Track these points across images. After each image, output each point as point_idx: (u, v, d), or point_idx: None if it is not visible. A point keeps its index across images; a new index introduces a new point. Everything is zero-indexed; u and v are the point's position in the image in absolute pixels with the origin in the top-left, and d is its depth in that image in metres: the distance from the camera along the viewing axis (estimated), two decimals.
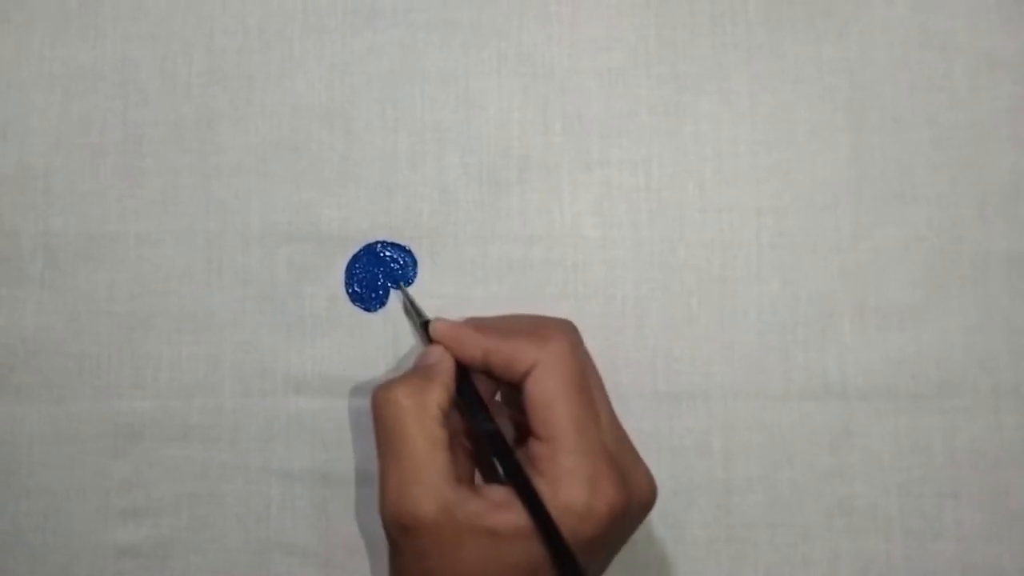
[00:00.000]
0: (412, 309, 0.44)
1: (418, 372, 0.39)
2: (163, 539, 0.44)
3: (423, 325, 0.42)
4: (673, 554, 0.45)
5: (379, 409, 0.38)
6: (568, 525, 0.36)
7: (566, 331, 0.39)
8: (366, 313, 0.45)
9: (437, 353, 0.40)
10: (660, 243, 0.45)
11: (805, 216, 0.46)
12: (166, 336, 0.45)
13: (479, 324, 0.40)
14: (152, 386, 0.45)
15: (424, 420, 0.37)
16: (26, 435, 0.44)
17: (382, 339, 0.44)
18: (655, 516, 0.44)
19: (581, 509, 0.36)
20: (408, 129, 0.46)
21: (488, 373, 0.39)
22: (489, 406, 0.39)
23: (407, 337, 0.44)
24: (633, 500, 0.37)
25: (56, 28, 0.46)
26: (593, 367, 0.40)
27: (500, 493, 0.37)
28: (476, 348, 0.39)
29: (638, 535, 0.44)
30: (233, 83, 0.46)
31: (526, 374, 0.38)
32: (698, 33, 0.46)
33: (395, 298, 0.45)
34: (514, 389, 0.39)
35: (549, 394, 0.37)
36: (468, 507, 0.36)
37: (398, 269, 0.45)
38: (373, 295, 0.45)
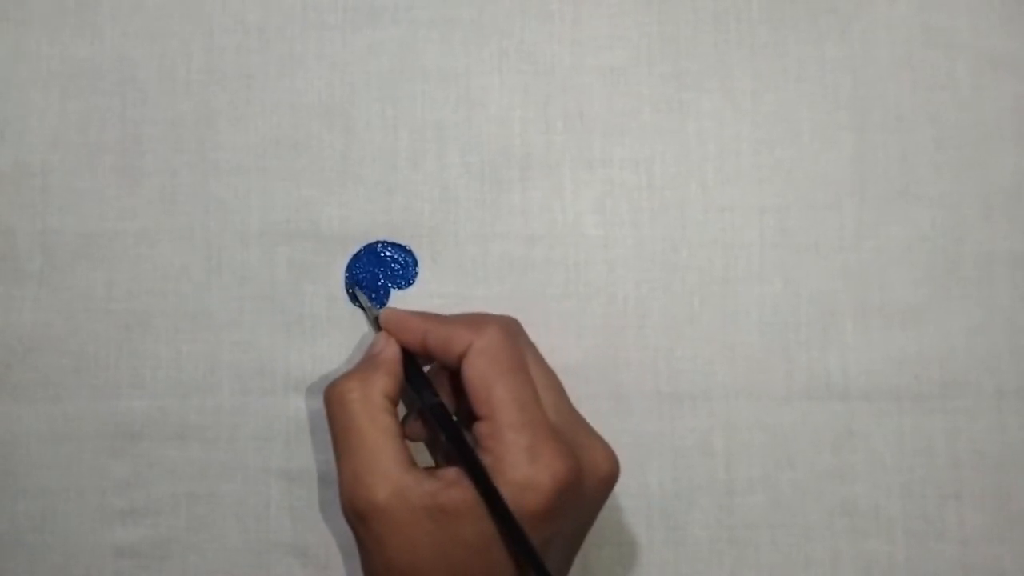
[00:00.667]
0: (365, 305, 0.44)
1: (364, 363, 0.40)
2: (161, 539, 0.44)
3: (375, 319, 0.42)
4: (675, 555, 0.44)
5: (329, 404, 0.39)
6: (511, 497, 0.36)
7: (502, 320, 0.40)
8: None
9: (382, 341, 0.41)
10: (662, 242, 0.45)
11: (808, 215, 0.45)
12: (164, 335, 0.44)
13: (425, 314, 0.41)
14: (150, 385, 0.44)
15: (371, 409, 0.38)
16: (23, 434, 0.44)
17: None
18: (656, 517, 0.44)
19: (523, 480, 0.36)
20: (408, 127, 0.45)
21: (429, 357, 0.40)
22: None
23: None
24: (584, 472, 0.37)
25: (54, 26, 0.46)
26: (536, 353, 0.40)
27: (452, 472, 0.37)
28: (416, 332, 0.40)
29: (639, 535, 0.44)
30: (232, 81, 0.45)
31: (462, 356, 0.38)
32: (700, 31, 0.46)
33: (396, 298, 0.44)
34: (456, 375, 0.39)
35: (484, 374, 0.38)
36: (421, 488, 0.37)
37: (399, 269, 0.45)
38: (373, 295, 0.44)
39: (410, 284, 0.45)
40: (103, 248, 0.45)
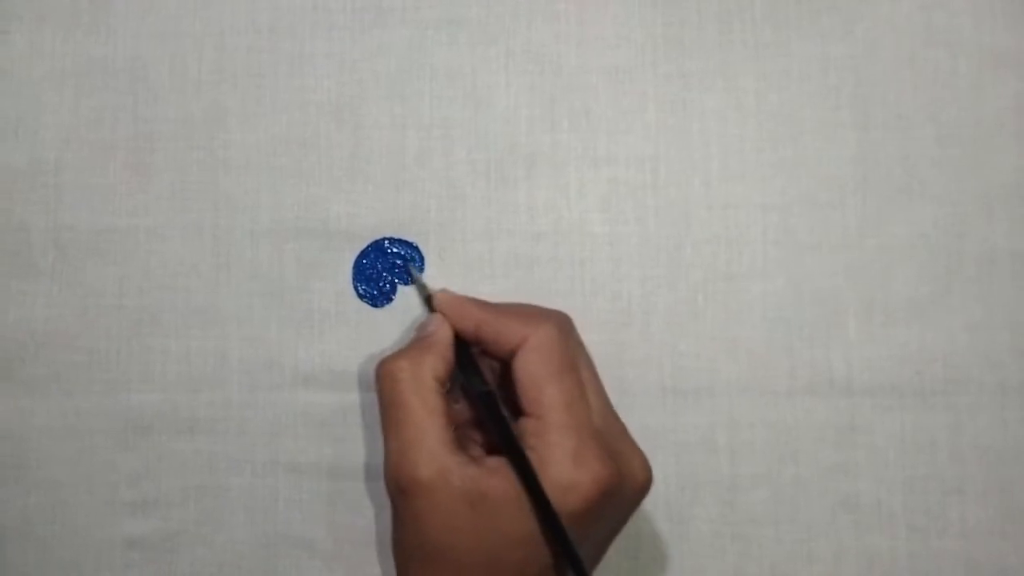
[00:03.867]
0: (419, 284, 0.44)
1: (416, 344, 0.41)
2: (171, 532, 0.44)
3: (427, 298, 0.43)
4: (678, 550, 0.45)
5: (380, 380, 0.39)
6: (552, 497, 0.36)
7: (557, 318, 0.40)
8: (373, 308, 0.45)
9: (435, 323, 0.41)
10: (666, 240, 0.46)
11: (810, 213, 0.46)
12: (174, 330, 0.45)
13: (480, 301, 0.42)
14: (160, 380, 0.45)
15: (421, 389, 0.39)
16: (35, 428, 0.45)
17: (389, 334, 0.45)
18: (660, 512, 0.45)
19: (566, 482, 0.36)
20: (416, 126, 0.46)
21: (480, 346, 0.40)
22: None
23: (413, 331, 0.45)
24: (624, 479, 0.38)
25: (68, 25, 0.46)
26: (586, 354, 0.41)
27: (494, 462, 0.38)
28: (471, 320, 0.40)
29: (643, 530, 0.44)
30: (243, 80, 0.46)
31: (514, 351, 0.39)
32: (705, 31, 0.46)
33: (402, 293, 0.45)
34: (506, 368, 0.40)
35: (536, 373, 0.38)
36: (464, 472, 0.37)
37: (405, 265, 0.45)
38: (378, 291, 0.45)
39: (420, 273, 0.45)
40: (115, 244, 0.45)
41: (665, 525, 0.45)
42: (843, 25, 0.46)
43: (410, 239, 0.45)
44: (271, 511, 0.44)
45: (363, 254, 0.45)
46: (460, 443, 0.39)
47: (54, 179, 0.45)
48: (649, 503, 0.44)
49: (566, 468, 0.37)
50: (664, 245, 0.46)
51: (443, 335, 0.40)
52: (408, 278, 0.45)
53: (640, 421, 0.44)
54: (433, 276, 0.45)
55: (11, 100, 0.46)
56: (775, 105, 0.46)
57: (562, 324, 0.40)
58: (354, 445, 0.44)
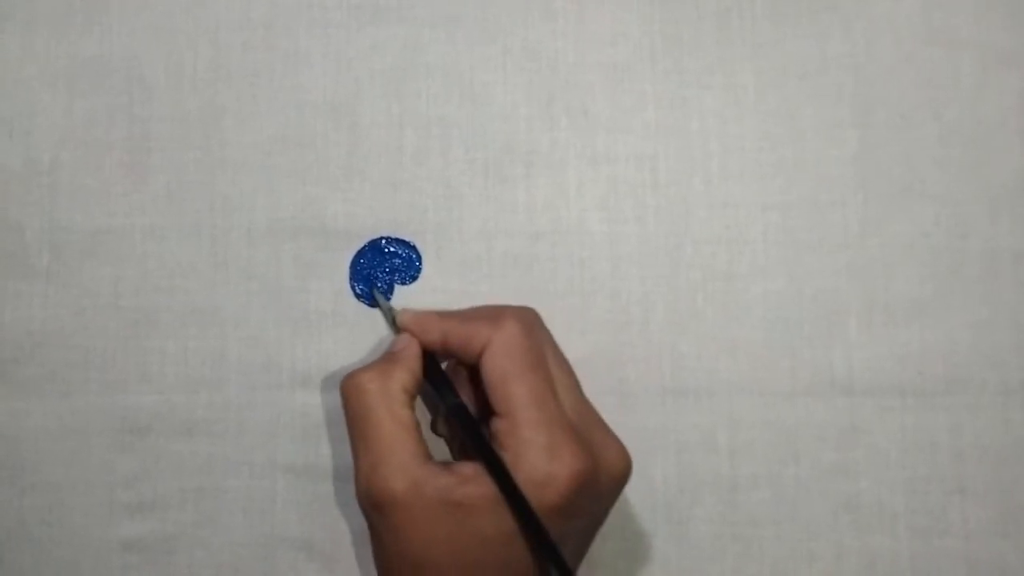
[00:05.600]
0: (383, 306, 0.44)
1: (383, 358, 0.41)
2: (168, 533, 0.44)
3: (392, 319, 0.43)
4: (678, 550, 0.45)
5: (347, 395, 0.39)
6: (529, 494, 0.36)
7: (520, 314, 0.40)
8: (371, 308, 0.45)
9: (403, 340, 0.41)
10: (666, 239, 0.45)
11: (811, 212, 0.46)
12: (172, 331, 0.45)
13: (444, 312, 0.42)
14: (158, 381, 0.45)
15: (389, 402, 0.39)
16: (32, 429, 0.44)
17: (386, 334, 0.45)
18: (660, 513, 0.44)
19: (541, 477, 0.36)
20: (413, 124, 0.46)
21: (450, 356, 0.40)
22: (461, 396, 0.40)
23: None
24: (600, 469, 0.38)
25: (62, 24, 0.46)
26: (554, 347, 0.40)
27: (468, 468, 0.37)
28: (436, 332, 0.40)
29: (643, 530, 0.44)
30: (238, 79, 0.46)
31: (481, 353, 0.39)
32: (703, 28, 0.46)
33: (399, 293, 0.45)
34: (475, 372, 0.39)
35: (503, 370, 0.38)
36: (437, 482, 0.37)
37: (403, 264, 0.45)
38: (376, 290, 0.45)
39: (415, 280, 0.45)
40: (111, 245, 0.45)
41: (665, 526, 0.44)
42: (843, 23, 0.46)
43: (408, 238, 0.45)
44: (269, 512, 0.44)
45: (360, 254, 0.45)
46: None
47: (49, 179, 0.45)
48: (649, 504, 0.44)
49: (540, 463, 0.37)
50: (664, 244, 0.45)
51: (411, 350, 0.40)
52: (407, 277, 0.45)
53: (640, 421, 0.44)
54: (431, 276, 0.45)
55: (5, 101, 0.45)
56: (775, 103, 0.46)
57: (525, 320, 0.40)
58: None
